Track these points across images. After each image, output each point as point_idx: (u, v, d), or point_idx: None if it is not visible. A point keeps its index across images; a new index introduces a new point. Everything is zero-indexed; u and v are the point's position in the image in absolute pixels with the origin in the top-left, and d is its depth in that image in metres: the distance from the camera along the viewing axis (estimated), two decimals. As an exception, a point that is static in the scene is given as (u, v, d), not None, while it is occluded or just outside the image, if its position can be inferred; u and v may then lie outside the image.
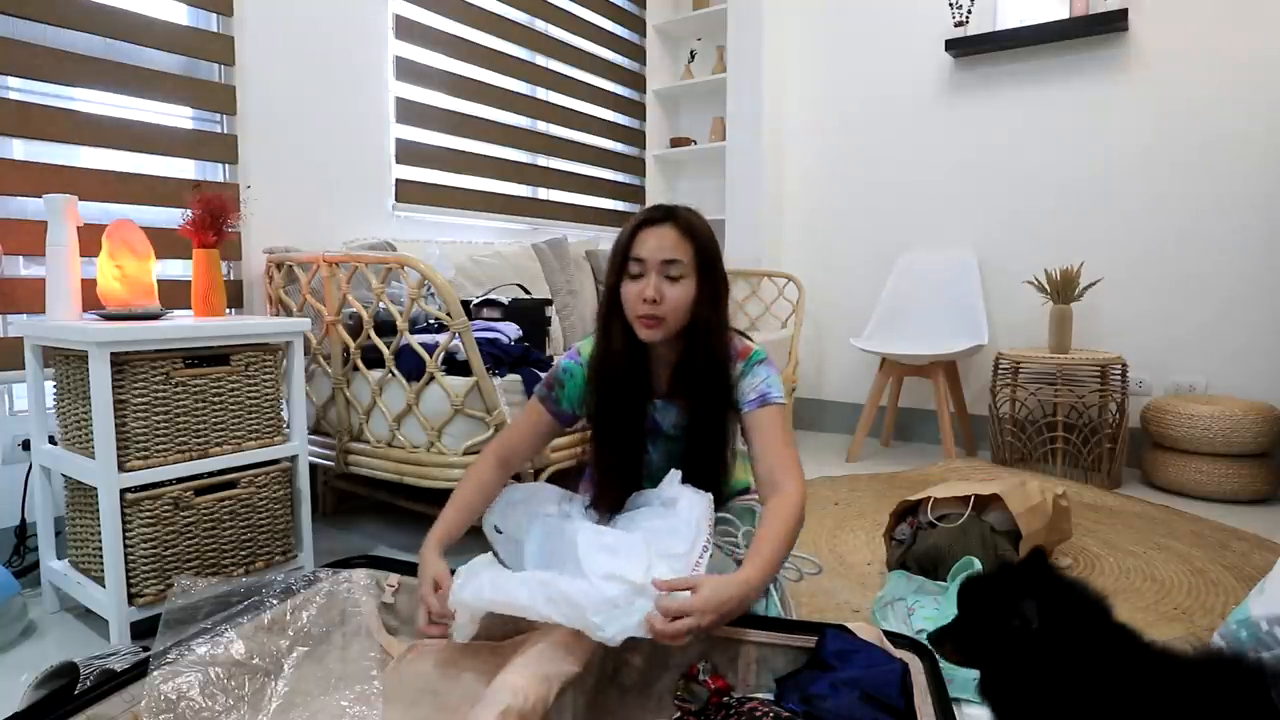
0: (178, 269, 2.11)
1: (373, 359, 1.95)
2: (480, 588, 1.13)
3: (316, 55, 2.39)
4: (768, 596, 1.31)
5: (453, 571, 1.34)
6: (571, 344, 2.79)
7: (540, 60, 3.30)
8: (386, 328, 1.94)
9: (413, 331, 1.93)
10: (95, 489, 1.46)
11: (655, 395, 1.36)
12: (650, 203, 3.85)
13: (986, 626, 0.91)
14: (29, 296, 1.80)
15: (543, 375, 1.97)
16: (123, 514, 1.46)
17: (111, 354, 1.43)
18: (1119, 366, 2.68)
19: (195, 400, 1.57)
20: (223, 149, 2.18)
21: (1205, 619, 1.57)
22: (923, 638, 1.32)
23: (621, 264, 1.27)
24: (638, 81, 3.90)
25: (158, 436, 1.51)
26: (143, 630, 1.42)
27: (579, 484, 1.57)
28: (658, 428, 1.39)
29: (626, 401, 1.33)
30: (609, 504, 1.38)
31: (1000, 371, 2.89)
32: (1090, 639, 0.87)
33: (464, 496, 1.35)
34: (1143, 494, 2.58)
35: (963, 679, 1.26)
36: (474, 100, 2.97)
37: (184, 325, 1.56)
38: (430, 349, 1.84)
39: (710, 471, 1.35)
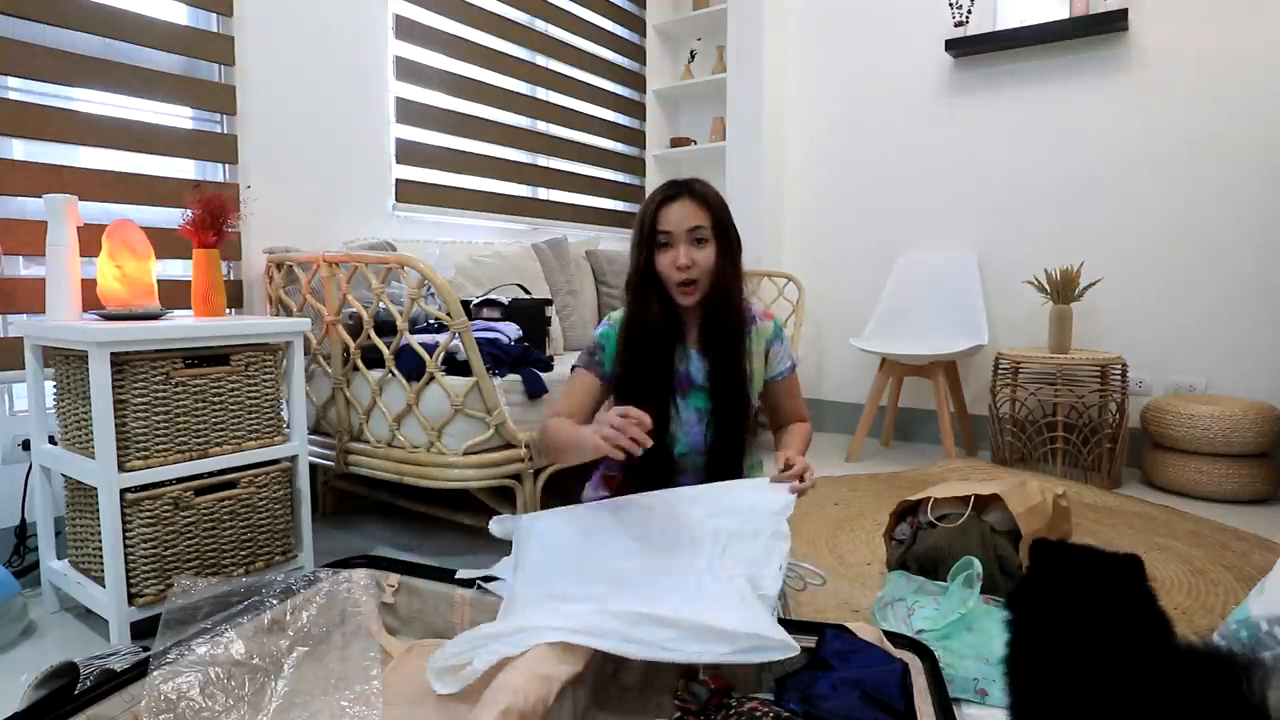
0: (178, 269, 2.11)
1: (373, 359, 1.95)
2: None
3: (316, 55, 2.39)
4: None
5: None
6: (571, 344, 2.81)
7: (540, 60, 3.30)
8: (386, 328, 1.94)
9: (413, 331, 1.93)
10: (95, 489, 1.46)
11: (688, 345, 1.48)
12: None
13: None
14: (29, 296, 1.80)
15: (542, 375, 1.99)
16: (123, 514, 1.46)
17: (111, 354, 1.43)
18: (1119, 366, 2.68)
19: (195, 400, 1.57)
20: (223, 149, 2.18)
21: (1205, 619, 1.57)
22: (923, 638, 1.32)
23: (650, 239, 1.40)
24: (638, 81, 3.90)
25: (158, 436, 1.51)
26: (143, 630, 1.42)
27: (582, 486, 1.57)
28: (691, 380, 1.46)
29: (656, 352, 1.43)
30: (640, 472, 1.43)
31: (1000, 371, 2.89)
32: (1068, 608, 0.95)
33: (571, 425, 1.42)
34: (1143, 494, 2.58)
35: (962, 679, 1.26)
36: (474, 100, 2.97)
37: (184, 325, 1.56)
38: (430, 349, 1.84)
39: (736, 422, 1.45)
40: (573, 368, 1.52)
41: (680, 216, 1.38)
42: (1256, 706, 0.81)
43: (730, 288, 1.43)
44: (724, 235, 1.42)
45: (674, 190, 1.40)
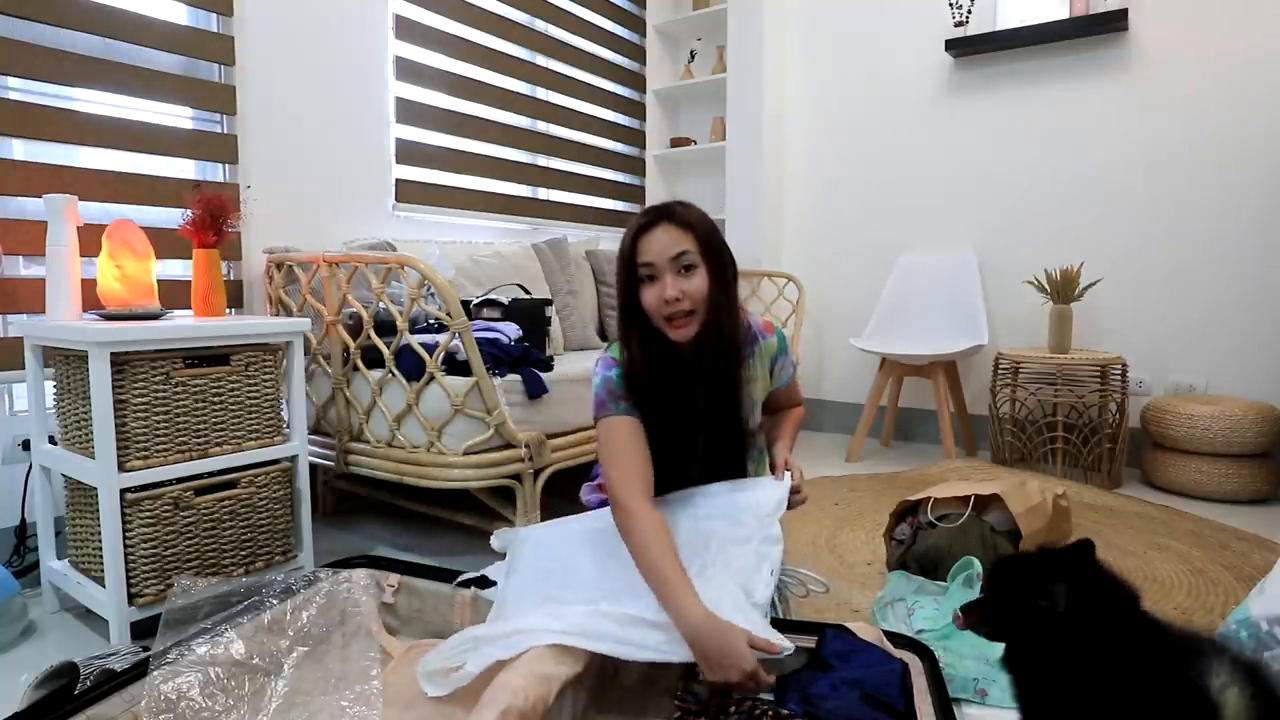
0: (178, 269, 2.11)
1: (373, 359, 1.95)
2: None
3: (316, 55, 2.39)
4: (773, 609, 1.32)
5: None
6: (571, 344, 2.80)
7: (540, 60, 3.30)
8: (386, 328, 1.94)
9: (413, 331, 1.93)
10: (95, 489, 1.46)
11: (688, 376, 1.35)
12: (650, 203, 3.84)
13: (1015, 603, 0.95)
14: (29, 296, 1.80)
15: (542, 375, 1.99)
16: (123, 514, 1.46)
17: (111, 354, 1.43)
18: (1119, 366, 2.68)
19: (195, 400, 1.57)
20: (223, 149, 2.18)
21: (1205, 619, 1.57)
22: (923, 638, 1.32)
23: (632, 273, 1.26)
24: (638, 81, 3.90)
25: (158, 436, 1.51)
26: (143, 630, 1.42)
27: (581, 486, 1.57)
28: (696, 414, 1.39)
29: (662, 387, 1.29)
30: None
31: (1000, 371, 2.89)
32: (1111, 628, 0.90)
33: (669, 553, 1.16)
34: (1143, 494, 2.58)
35: (962, 679, 1.26)
36: (474, 100, 2.97)
37: (184, 325, 1.56)
38: (430, 349, 1.84)
39: (733, 455, 1.37)
40: (599, 418, 1.30)
41: (662, 244, 1.23)
42: (1200, 687, 0.82)
43: (724, 318, 1.28)
44: (714, 258, 1.26)
45: (651, 217, 1.26)
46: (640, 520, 1.18)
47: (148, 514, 1.48)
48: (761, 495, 1.32)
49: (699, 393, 1.32)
